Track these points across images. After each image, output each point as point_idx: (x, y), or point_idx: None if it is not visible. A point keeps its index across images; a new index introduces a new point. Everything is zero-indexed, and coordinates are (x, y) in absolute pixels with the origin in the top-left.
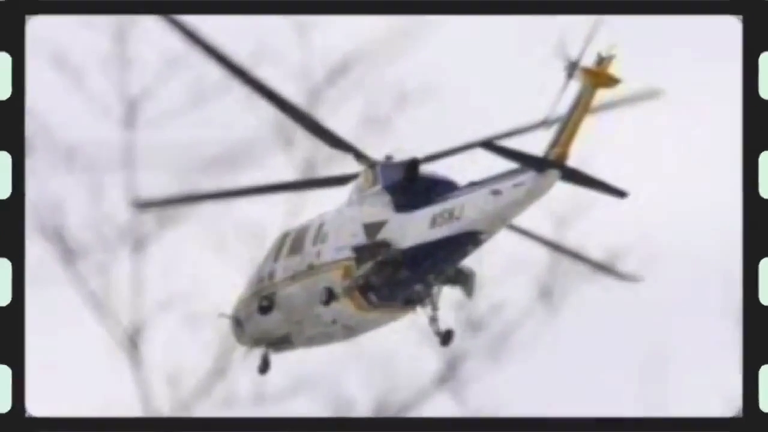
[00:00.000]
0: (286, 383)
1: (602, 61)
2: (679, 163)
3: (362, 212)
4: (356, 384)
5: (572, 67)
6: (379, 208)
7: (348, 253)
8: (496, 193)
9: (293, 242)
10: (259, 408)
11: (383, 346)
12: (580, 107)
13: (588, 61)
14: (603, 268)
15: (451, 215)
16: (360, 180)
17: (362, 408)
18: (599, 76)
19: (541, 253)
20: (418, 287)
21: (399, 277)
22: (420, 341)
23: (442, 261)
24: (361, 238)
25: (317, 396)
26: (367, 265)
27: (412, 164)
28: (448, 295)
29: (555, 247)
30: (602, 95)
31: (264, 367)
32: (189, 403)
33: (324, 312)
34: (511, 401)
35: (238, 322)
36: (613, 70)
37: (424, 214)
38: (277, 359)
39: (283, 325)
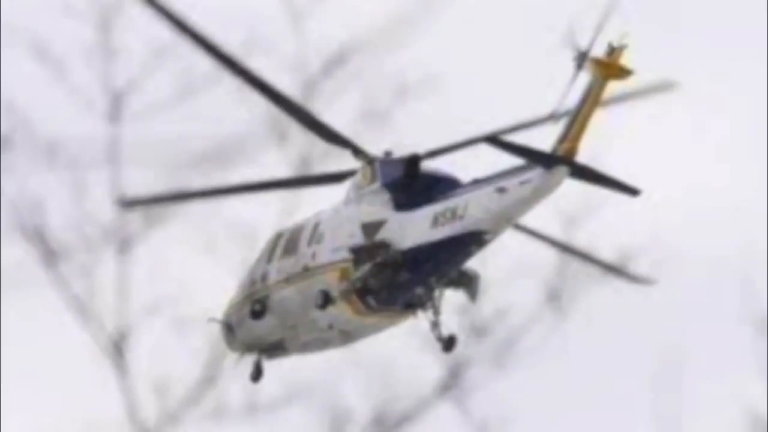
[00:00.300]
0: (279, 392)
1: (613, 51)
2: (695, 159)
3: (360, 211)
4: (354, 393)
5: (582, 58)
6: (378, 206)
7: (345, 255)
8: (501, 190)
9: (287, 243)
10: (251, 418)
11: (382, 353)
12: (590, 100)
13: (598, 51)
14: (614, 270)
15: (453, 214)
16: (358, 177)
17: (360, 418)
18: (610, 67)
19: (549, 254)
20: (419, 290)
21: (399, 280)
22: (421, 347)
23: (444, 263)
24: (358, 239)
25: (312, 406)
26: (366, 267)
27: (413, 160)
28: (451, 298)
29: (563, 247)
30: (613, 87)
31: (256, 374)
32: (177, 413)
33: (320, 316)
34: (518, 411)
35: (229, 328)
36: (625, 60)
37: (426, 213)
38: (270, 366)
39: (277, 330)
